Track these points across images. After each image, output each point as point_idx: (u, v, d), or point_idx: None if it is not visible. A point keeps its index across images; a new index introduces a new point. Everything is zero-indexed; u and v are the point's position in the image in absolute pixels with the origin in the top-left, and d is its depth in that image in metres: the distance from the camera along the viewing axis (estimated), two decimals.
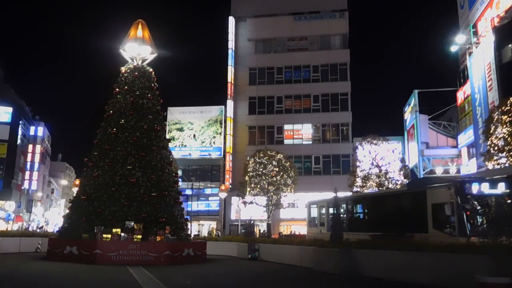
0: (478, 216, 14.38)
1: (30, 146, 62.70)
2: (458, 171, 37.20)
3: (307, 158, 44.35)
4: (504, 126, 20.65)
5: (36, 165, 63.36)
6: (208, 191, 46.65)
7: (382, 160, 30.89)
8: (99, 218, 18.68)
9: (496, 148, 21.00)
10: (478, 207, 14.35)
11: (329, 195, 23.92)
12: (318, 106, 45.42)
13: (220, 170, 47.54)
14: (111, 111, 21.71)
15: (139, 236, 18.13)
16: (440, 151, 40.24)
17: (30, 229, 46.02)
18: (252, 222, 32.03)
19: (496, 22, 29.75)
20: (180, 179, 28.95)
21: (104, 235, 17.77)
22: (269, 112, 46.29)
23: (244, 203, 33.58)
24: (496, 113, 21.61)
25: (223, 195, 40.22)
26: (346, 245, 15.16)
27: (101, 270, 15.08)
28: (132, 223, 18.40)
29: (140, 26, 22.77)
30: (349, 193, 28.59)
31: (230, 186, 43.37)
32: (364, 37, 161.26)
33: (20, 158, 57.74)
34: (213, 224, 46.81)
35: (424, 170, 39.09)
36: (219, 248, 24.59)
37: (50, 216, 78.21)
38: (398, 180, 30.22)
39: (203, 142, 47.81)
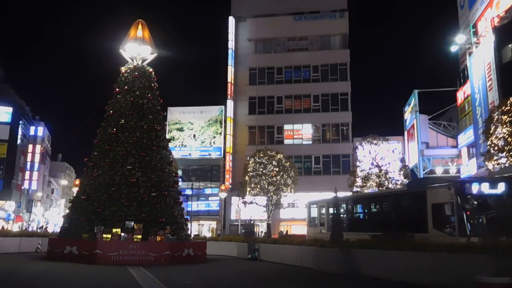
0: (478, 216, 14.40)
1: (30, 146, 62.66)
2: (458, 171, 37.18)
3: (307, 158, 44.33)
4: (504, 126, 20.62)
5: (36, 165, 63.34)
6: (208, 191, 46.63)
7: (382, 160, 30.89)
8: (99, 218, 18.69)
9: (496, 148, 20.97)
10: (478, 207, 14.36)
11: (329, 195, 23.92)
12: (318, 106, 45.40)
13: (220, 170, 47.52)
14: (111, 111, 21.72)
15: (139, 236, 18.13)
16: (440, 151, 40.21)
17: (30, 229, 46.02)
18: (252, 222, 32.09)
19: (496, 22, 29.72)
20: (180, 179, 28.94)
21: (104, 235, 17.76)
22: (269, 112, 46.26)
23: (244, 203, 33.54)
24: (496, 113, 21.59)
25: (223, 195, 40.20)
26: (346, 245, 15.15)
27: (101, 270, 15.07)
28: (132, 223, 18.41)
29: (140, 26, 22.77)
30: (349, 193, 28.58)
31: (230, 186, 43.35)
32: (364, 37, 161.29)
33: (20, 158, 57.69)
34: (213, 224, 46.81)
35: (424, 170, 39.07)
36: (219, 248, 24.60)
37: (50, 216, 78.22)
38: (398, 180, 30.21)
39: (203, 142, 47.80)
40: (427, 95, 54.43)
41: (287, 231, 38.83)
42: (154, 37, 23.35)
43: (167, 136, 31.73)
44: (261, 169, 33.02)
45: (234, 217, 42.97)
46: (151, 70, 23.04)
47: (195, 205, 42.41)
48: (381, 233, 16.96)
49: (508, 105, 20.78)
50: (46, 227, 49.72)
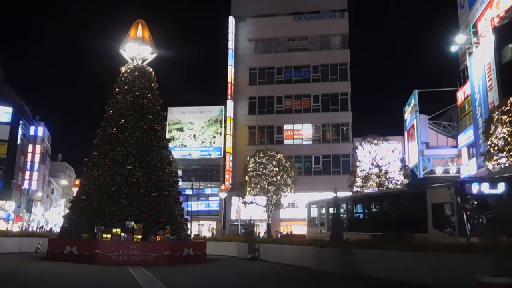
0: (478, 216, 14.39)
1: (30, 146, 62.67)
2: (458, 171, 37.18)
3: (307, 158, 44.33)
4: (504, 126, 20.62)
5: (36, 165, 63.34)
6: (208, 191, 46.63)
7: (382, 160, 30.88)
8: (99, 218, 18.69)
9: (496, 148, 20.97)
10: (478, 207, 14.35)
11: (329, 195, 23.92)
12: (318, 106, 45.39)
13: (220, 170, 47.51)
14: (111, 111, 21.72)
15: (139, 236, 18.13)
16: (440, 151, 40.22)
17: (30, 229, 45.98)
18: (252, 222, 32.04)
19: (496, 22, 29.72)
20: (180, 179, 28.93)
21: (104, 235, 17.76)
22: (269, 112, 46.26)
23: (244, 203, 33.53)
24: (496, 113, 21.59)
25: (223, 195, 40.19)
26: (346, 245, 15.15)
27: (101, 270, 15.07)
28: (132, 223, 18.40)
29: (140, 26, 22.78)
30: (349, 193, 28.58)
31: (230, 186, 43.34)
32: (364, 37, 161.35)
33: (20, 158, 57.69)
34: (213, 224, 46.81)
35: (424, 170, 39.06)
36: (219, 248, 24.60)
37: (50, 216, 78.20)
38: (398, 180, 30.21)
39: (203, 142, 47.79)
40: (427, 95, 54.51)
41: (291, 231, 38.41)
42: (154, 37, 23.36)
43: (167, 136, 31.74)
44: (261, 169, 33.00)
45: (234, 217, 42.97)
46: (151, 70, 23.04)
47: (195, 205, 42.40)
48: (381, 233, 16.96)
49: (508, 105, 20.78)
50: (51, 228, 49.67)
